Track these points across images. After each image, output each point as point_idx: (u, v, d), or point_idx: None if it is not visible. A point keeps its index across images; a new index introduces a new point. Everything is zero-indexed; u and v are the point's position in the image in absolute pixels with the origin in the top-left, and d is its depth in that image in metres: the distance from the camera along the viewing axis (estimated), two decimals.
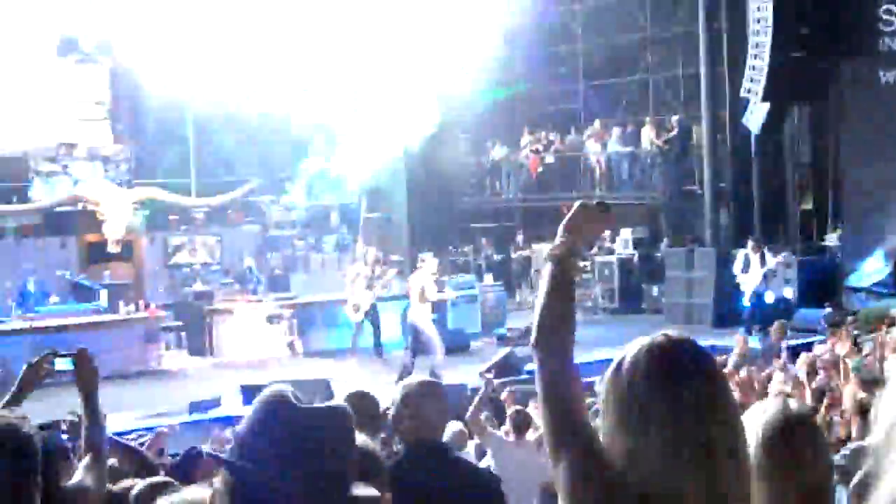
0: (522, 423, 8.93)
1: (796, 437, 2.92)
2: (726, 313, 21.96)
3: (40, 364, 4.33)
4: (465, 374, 16.76)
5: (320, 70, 26.17)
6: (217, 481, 2.39)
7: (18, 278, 20.44)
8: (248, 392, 15.16)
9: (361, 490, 2.41)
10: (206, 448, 2.26)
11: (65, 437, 6.78)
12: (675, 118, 26.69)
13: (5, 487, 3.15)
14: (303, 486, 2.27)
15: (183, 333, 21.77)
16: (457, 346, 19.98)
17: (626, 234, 26.19)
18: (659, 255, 25.82)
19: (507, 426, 9.24)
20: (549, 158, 29.45)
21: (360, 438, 2.53)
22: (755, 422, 2.94)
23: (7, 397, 4.22)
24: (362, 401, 5.39)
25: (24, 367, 4.37)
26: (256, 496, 2.29)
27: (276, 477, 2.27)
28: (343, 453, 2.36)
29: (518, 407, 9.71)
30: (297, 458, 2.28)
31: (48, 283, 21.02)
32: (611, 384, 2.44)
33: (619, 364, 2.43)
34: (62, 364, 4.28)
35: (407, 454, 5.04)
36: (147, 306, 20.84)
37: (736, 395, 9.27)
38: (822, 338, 16.40)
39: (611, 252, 26.15)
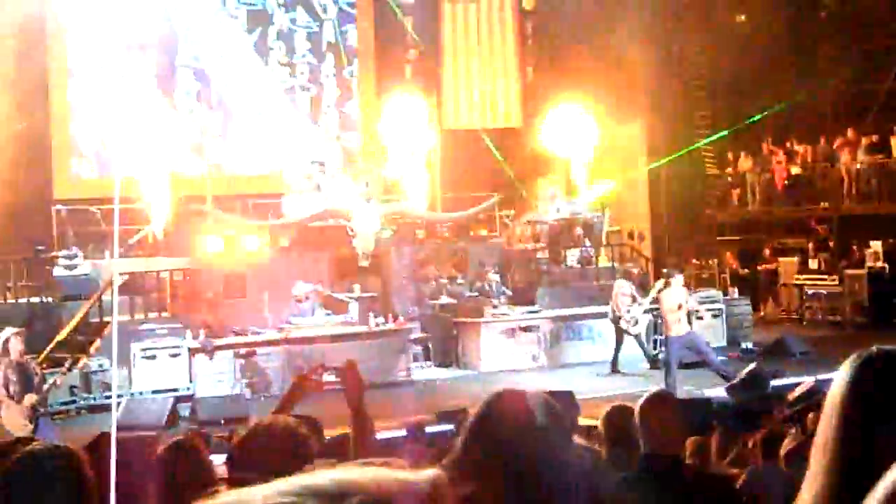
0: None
1: None
2: None
3: (309, 376, 4.57)
4: (709, 388, 16.67)
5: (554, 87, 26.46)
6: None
7: (274, 292, 21.19)
8: None
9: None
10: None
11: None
12: None
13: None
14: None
15: (430, 345, 22.25)
16: (701, 360, 19.77)
17: (876, 246, 25.43)
18: None
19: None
20: (796, 169, 28.86)
21: None
22: None
23: (276, 406, 4.48)
24: (618, 415, 5.48)
25: (294, 378, 4.63)
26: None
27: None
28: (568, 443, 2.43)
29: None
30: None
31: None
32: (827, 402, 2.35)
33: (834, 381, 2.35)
34: (329, 376, 4.49)
35: (639, 469, 5.09)
36: (395, 318, 21.37)
37: None
38: None
39: (861, 265, 25.44)
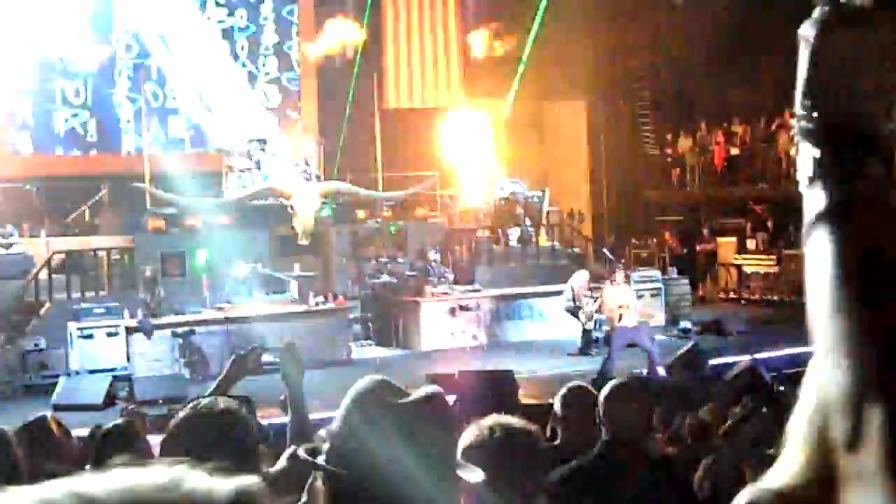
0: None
1: None
2: None
3: (248, 358, 4.52)
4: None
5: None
6: (318, 483, 2.48)
7: (213, 271, 21.03)
8: (435, 382, 15.45)
9: (466, 472, 2.44)
10: (301, 452, 2.35)
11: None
12: None
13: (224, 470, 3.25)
14: (401, 481, 2.29)
15: (370, 324, 22.22)
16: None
17: None
18: None
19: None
20: (735, 150, 29.05)
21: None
22: None
23: (213, 387, 4.43)
24: (576, 396, 5.48)
25: (232, 359, 4.57)
26: (353, 498, 2.33)
27: (373, 479, 2.29)
28: (445, 441, 2.39)
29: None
30: (396, 457, 2.30)
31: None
32: None
33: None
34: (268, 357, 4.44)
35: (600, 453, 5.07)
36: (335, 298, 21.32)
37: None
38: None
39: (798, 245, 25.67)
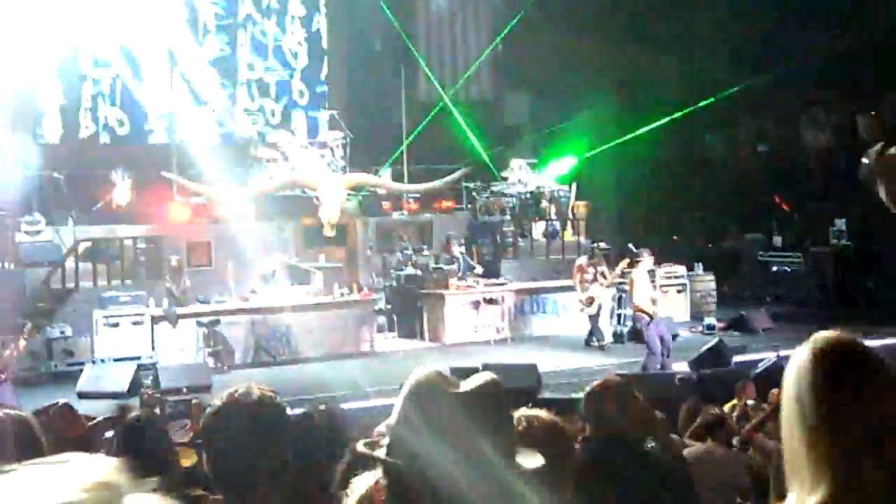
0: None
1: None
2: None
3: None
4: (674, 363, 16.69)
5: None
6: (380, 478, 2.47)
7: (239, 261, 21.02)
8: (458, 375, 15.44)
9: (527, 460, 2.45)
10: (360, 447, 2.32)
11: None
12: None
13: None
14: (462, 470, 2.30)
15: (394, 317, 22.22)
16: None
17: (840, 224, 25.56)
18: (876, 247, 25.09)
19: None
20: (763, 147, 28.92)
21: None
22: None
23: None
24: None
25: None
26: (416, 491, 2.34)
27: (431, 470, 2.31)
28: (503, 429, 2.40)
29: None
30: (452, 446, 2.31)
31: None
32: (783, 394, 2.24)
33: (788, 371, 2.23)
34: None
35: (592, 450, 4.97)
36: (360, 289, 21.32)
37: None
38: None
39: (825, 242, 25.57)
